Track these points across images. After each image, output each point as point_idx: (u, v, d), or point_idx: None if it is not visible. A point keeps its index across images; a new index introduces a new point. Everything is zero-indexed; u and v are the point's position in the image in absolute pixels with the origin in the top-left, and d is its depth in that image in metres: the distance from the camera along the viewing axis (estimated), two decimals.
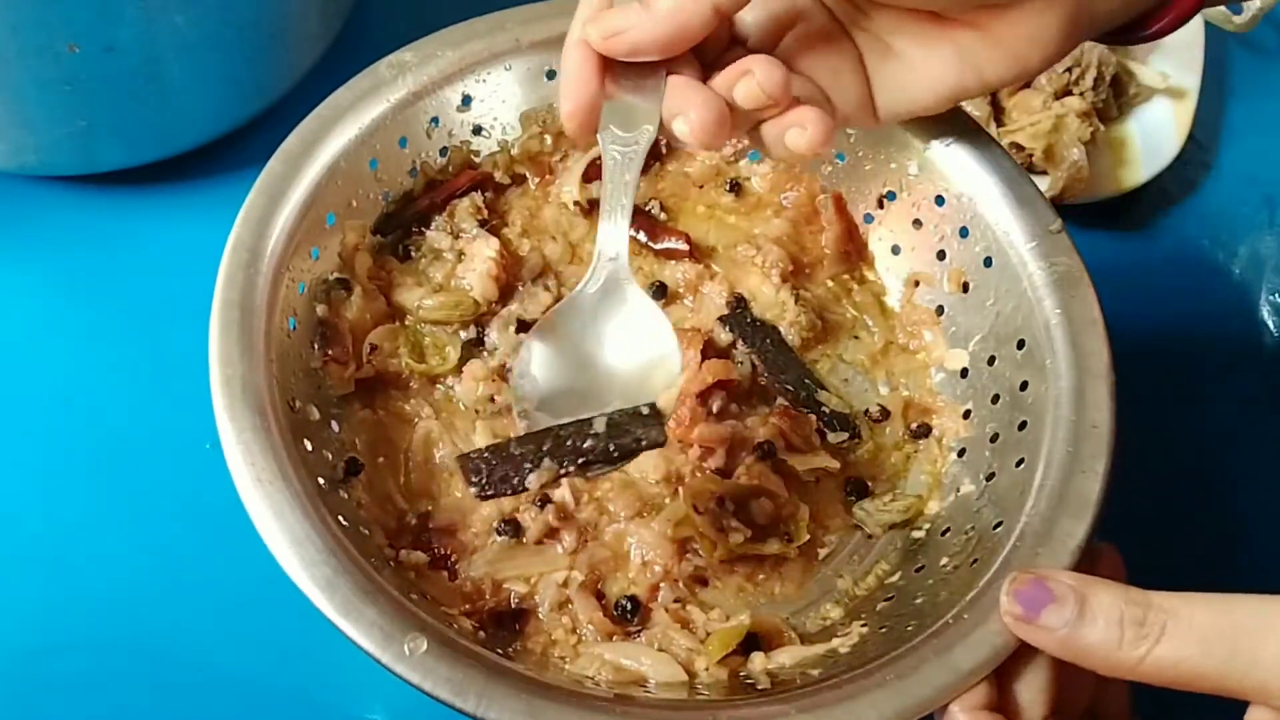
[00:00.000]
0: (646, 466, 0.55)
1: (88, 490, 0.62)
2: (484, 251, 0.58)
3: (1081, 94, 0.75)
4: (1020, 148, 0.72)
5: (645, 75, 0.47)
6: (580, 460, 0.47)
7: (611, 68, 0.47)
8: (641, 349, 0.49)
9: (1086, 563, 0.48)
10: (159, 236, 0.70)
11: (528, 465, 0.47)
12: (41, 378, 0.65)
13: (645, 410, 0.47)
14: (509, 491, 0.48)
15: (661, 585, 0.52)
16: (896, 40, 0.49)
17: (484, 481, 0.47)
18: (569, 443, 0.47)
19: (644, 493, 0.54)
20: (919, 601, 0.50)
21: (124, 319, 0.67)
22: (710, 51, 0.48)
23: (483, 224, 0.60)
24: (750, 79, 0.46)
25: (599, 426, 0.47)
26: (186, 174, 0.72)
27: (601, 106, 0.48)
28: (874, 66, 0.50)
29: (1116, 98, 0.77)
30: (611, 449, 0.47)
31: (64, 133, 0.66)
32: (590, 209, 0.62)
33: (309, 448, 0.51)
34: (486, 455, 0.48)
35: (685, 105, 0.47)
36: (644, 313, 0.49)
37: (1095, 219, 0.74)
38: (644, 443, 0.47)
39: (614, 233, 0.49)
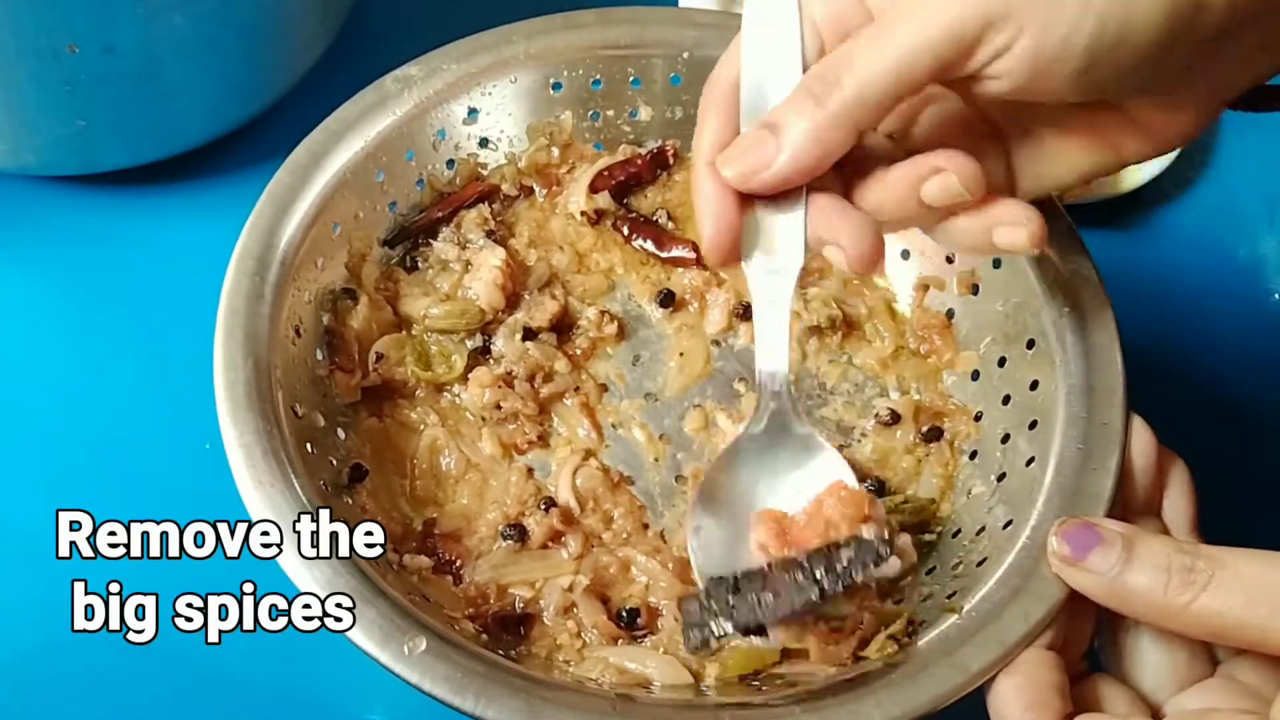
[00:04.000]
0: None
1: (88, 490, 0.61)
2: (490, 261, 0.58)
3: None
4: None
5: (785, 195, 0.45)
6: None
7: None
8: (814, 485, 0.48)
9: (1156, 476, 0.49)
10: (159, 236, 0.70)
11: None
12: (41, 377, 0.65)
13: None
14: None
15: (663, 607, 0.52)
16: (1035, 125, 0.47)
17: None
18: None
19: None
20: (927, 603, 0.50)
21: (124, 318, 0.68)
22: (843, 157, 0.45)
23: (490, 235, 0.60)
24: (946, 177, 0.44)
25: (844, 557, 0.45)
26: (186, 174, 0.72)
27: (742, 231, 0.45)
28: (1014, 151, 0.47)
29: None
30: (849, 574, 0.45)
31: (64, 133, 0.66)
32: (598, 219, 0.61)
33: (313, 454, 0.51)
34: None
35: (836, 234, 0.44)
36: (813, 449, 0.48)
37: (1095, 219, 0.74)
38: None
39: (773, 371, 0.47)
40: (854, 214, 0.45)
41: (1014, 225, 0.45)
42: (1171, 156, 0.75)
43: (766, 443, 0.48)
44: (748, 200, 0.45)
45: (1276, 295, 0.75)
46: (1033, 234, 0.45)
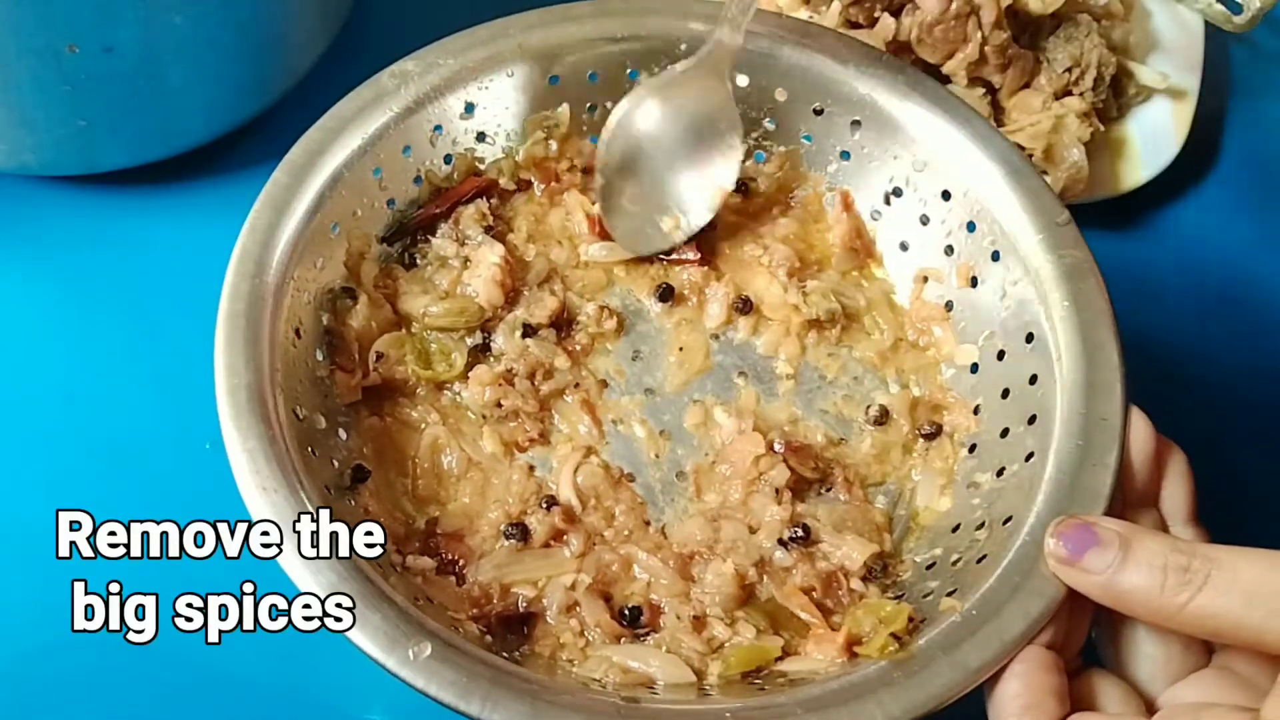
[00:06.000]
0: (690, 528, 0.54)
1: (88, 490, 0.61)
2: (489, 258, 0.58)
3: (1081, 94, 0.75)
4: (1020, 148, 0.72)
5: None
6: None
7: None
8: (710, 141, 0.59)
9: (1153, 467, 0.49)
10: (159, 236, 0.70)
11: None
12: (41, 377, 0.65)
13: None
14: None
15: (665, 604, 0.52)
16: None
17: None
18: None
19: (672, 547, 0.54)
20: (927, 599, 0.50)
21: (123, 319, 0.67)
22: None
23: (488, 230, 0.60)
24: None
25: None
26: (186, 174, 0.72)
27: None
28: None
29: (1116, 98, 0.77)
30: None
31: (64, 133, 0.66)
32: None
33: (314, 456, 0.51)
34: None
35: None
36: (725, 109, 0.58)
37: (1095, 219, 0.74)
38: None
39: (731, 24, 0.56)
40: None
41: None
42: (1172, 156, 0.75)
43: (689, 83, 0.59)
44: None
45: (1276, 296, 0.75)
46: None
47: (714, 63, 0.58)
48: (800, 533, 0.53)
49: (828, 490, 0.56)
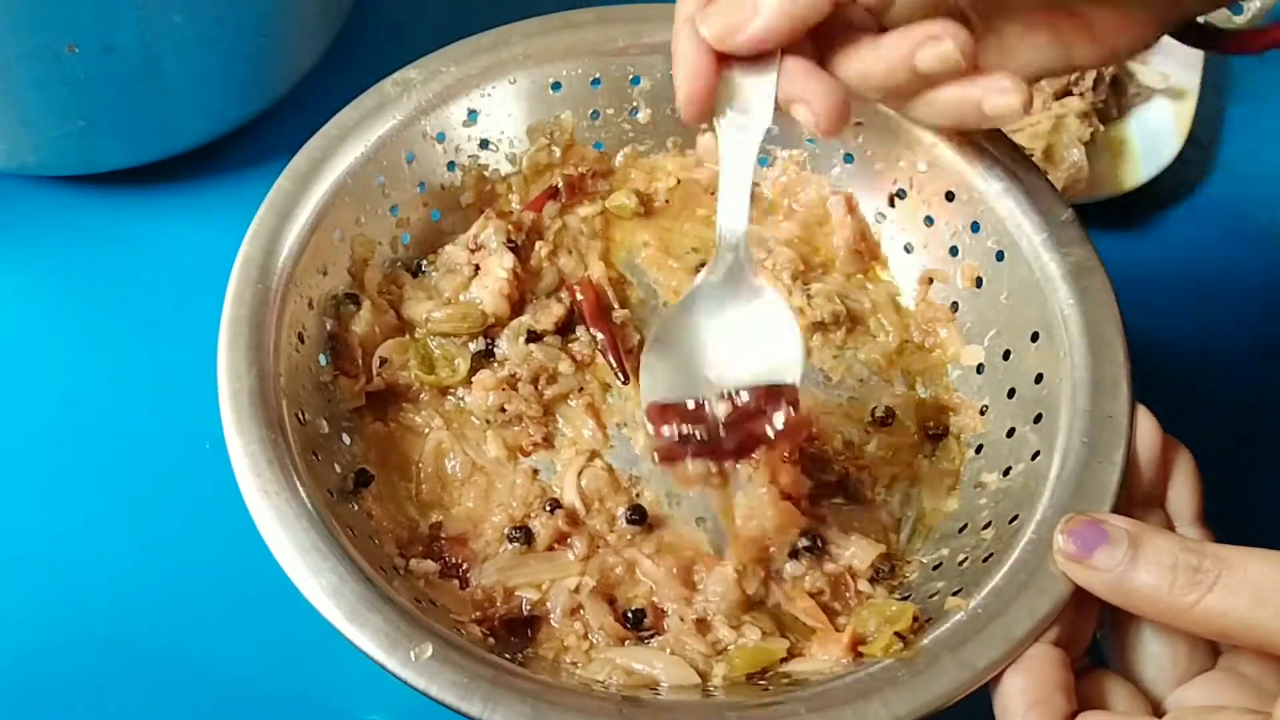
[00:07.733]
0: (699, 537, 0.54)
1: (88, 490, 0.62)
2: (497, 270, 0.58)
3: (1081, 94, 0.75)
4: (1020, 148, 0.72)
5: (760, 56, 0.48)
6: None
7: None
8: (763, 342, 0.51)
9: (1160, 466, 0.49)
10: (159, 236, 0.70)
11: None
12: (41, 377, 0.65)
13: None
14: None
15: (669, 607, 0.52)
16: (999, 19, 0.49)
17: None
18: None
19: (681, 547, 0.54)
20: (933, 599, 0.50)
21: (124, 319, 0.68)
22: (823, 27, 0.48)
23: (509, 243, 0.59)
24: (944, 44, 0.45)
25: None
26: (186, 174, 0.72)
27: (716, 89, 0.48)
28: (976, 40, 0.49)
29: (1116, 98, 0.77)
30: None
31: (64, 133, 0.66)
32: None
33: (318, 460, 0.51)
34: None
35: (805, 93, 0.47)
36: (766, 305, 0.51)
37: (1095, 219, 0.74)
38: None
39: (734, 223, 0.50)
40: (824, 75, 0.48)
41: (1004, 92, 0.47)
42: (1172, 156, 0.75)
43: (721, 292, 0.51)
44: (724, 59, 0.48)
45: (1276, 296, 0.75)
46: (1024, 99, 0.47)
47: (737, 264, 0.51)
48: (808, 543, 0.52)
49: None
